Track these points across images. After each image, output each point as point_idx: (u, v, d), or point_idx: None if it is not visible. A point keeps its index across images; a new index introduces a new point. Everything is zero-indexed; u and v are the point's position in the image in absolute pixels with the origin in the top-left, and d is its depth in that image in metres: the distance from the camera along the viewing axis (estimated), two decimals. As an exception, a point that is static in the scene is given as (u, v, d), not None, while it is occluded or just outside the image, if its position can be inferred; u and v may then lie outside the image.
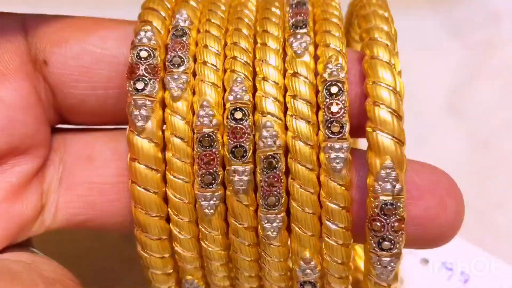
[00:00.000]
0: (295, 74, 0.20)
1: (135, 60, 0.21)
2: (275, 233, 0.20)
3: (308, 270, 0.21)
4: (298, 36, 0.21)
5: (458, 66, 0.40)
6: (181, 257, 0.22)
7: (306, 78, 0.20)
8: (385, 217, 0.19)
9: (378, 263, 0.20)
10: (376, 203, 0.19)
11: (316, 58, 0.21)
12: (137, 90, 0.20)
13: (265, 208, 0.20)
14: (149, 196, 0.21)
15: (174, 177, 0.20)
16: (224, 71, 0.21)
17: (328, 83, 0.20)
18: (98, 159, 0.23)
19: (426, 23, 0.41)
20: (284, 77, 0.21)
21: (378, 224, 0.19)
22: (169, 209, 0.21)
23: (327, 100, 0.20)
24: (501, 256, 0.32)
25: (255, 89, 0.21)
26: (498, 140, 0.37)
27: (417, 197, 0.21)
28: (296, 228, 0.20)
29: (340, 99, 0.20)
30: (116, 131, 0.23)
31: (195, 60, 0.21)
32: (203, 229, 0.21)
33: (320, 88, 0.20)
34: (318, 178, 0.20)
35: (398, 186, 0.19)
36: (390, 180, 0.19)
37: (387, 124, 0.19)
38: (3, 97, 0.22)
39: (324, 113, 0.20)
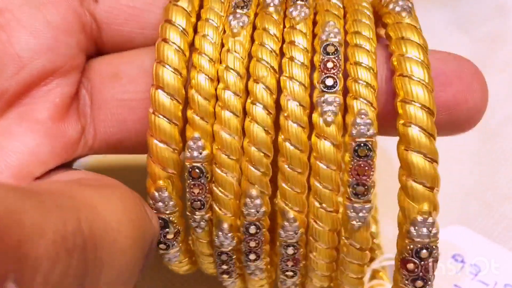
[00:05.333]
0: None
1: None
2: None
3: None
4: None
5: (466, 59, 0.40)
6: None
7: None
8: (419, 260, 0.20)
9: None
10: (411, 247, 0.20)
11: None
12: None
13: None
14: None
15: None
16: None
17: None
18: (124, 77, 0.23)
19: (433, 17, 0.42)
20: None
21: (412, 265, 0.20)
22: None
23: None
24: (511, 248, 0.32)
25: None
26: (507, 132, 0.37)
27: (446, 84, 0.21)
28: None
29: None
30: (140, 50, 0.24)
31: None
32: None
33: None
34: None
35: (434, 230, 0.20)
36: (427, 225, 0.20)
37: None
38: (49, 19, 0.22)
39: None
